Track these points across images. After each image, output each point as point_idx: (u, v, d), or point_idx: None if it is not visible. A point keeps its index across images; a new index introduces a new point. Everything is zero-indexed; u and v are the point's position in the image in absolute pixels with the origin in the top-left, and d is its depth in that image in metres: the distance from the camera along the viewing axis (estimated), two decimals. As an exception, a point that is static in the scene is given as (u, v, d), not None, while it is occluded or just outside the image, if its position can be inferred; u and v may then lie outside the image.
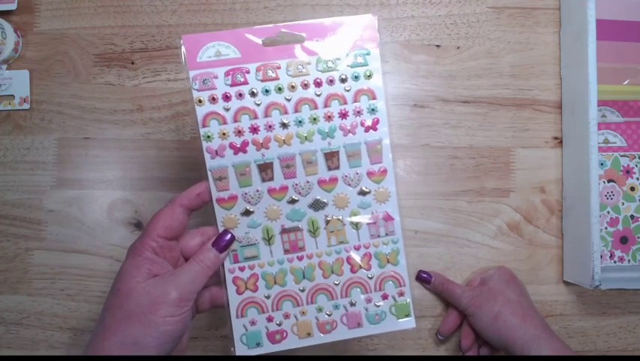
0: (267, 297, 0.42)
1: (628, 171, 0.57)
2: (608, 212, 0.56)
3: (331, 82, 0.41)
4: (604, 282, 0.49)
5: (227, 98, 0.41)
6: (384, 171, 0.42)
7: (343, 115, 0.42)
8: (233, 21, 0.56)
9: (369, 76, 0.42)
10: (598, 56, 0.50)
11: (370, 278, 0.42)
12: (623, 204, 0.56)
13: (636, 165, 0.57)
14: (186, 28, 0.56)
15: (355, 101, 0.42)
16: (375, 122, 0.42)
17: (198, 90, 0.40)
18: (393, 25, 0.57)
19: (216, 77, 0.40)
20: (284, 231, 0.42)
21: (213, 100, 0.40)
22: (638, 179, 0.56)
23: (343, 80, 0.42)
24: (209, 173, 0.41)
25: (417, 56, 0.57)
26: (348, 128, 0.42)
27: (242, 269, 0.41)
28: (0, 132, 0.55)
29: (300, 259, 0.42)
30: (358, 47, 0.41)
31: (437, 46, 0.57)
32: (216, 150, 0.41)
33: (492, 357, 0.52)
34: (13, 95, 0.55)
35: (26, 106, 0.55)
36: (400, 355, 0.55)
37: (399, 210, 0.42)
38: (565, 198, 0.56)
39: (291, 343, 0.41)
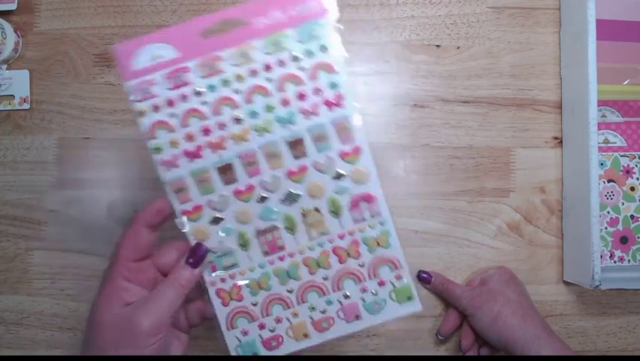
0: (255, 304, 0.39)
1: (628, 171, 0.57)
2: (608, 212, 0.56)
3: (282, 63, 0.37)
4: (604, 282, 0.49)
5: (170, 103, 0.37)
6: (358, 149, 0.38)
7: (301, 97, 0.37)
8: (233, 21, 0.56)
9: (324, 48, 0.37)
10: (598, 56, 0.50)
11: (362, 266, 0.39)
12: (623, 204, 0.56)
13: (636, 165, 0.57)
14: (186, 28, 0.56)
15: (312, 78, 0.37)
16: (339, 98, 0.37)
17: (139, 101, 0.37)
18: (393, 25, 0.57)
19: (156, 83, 0.37)
20: (259, 233, 0.39)
21: (156, 108, 0.37)
22: (638, 179, 0.56)
23: (295, 59, 0.37)
24: (166, 186, 0.38)
25: (417, 56, 0.57)
26: (310, 109, 0.37)
27: (223, 280, 0.39)
28: (0, 132, 0.55)
29: (281, 259, 0.39)
30: (306, 20, 0.37)
31: (437, 46, 0.57)
32: (170, 161, 0.38)
33: (492, 357, 0.52)
34: (13, 95, 0.55)
35: (26, 106, 0.55)
36: (400, 355, 0.55)
37: (382, 189, 0.38)
38: (565, 198, 0.56)
39: (289, 347, 0.39)
